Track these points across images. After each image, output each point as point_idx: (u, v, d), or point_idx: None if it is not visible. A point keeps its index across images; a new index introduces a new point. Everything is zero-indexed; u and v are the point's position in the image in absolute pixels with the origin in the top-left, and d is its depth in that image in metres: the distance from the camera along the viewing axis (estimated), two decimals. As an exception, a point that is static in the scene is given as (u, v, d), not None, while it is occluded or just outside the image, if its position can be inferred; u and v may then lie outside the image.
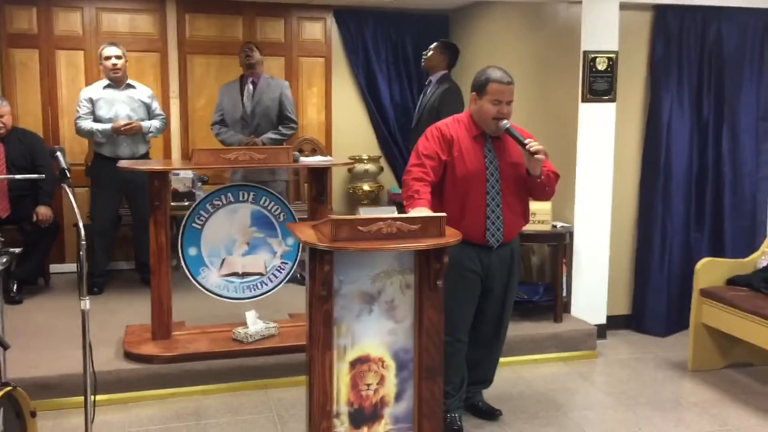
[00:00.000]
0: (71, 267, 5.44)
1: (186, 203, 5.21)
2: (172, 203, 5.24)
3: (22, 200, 4.82)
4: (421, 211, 2.77)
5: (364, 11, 6.14)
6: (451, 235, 2.66)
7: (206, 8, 5.81)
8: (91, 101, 4.90)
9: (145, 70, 5.71)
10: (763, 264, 4.04)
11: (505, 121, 3.03)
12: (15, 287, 4.77)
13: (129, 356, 3.70)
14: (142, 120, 4.96)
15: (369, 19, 6.17)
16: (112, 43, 4.96)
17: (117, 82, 4.93)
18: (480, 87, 3.04)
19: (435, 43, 4.93)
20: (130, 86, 5.01)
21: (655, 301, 4.65)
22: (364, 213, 2.64)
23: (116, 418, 3.38)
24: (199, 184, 5.52)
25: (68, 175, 2.51)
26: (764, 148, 4.74)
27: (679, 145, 4.59)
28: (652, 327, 4.66)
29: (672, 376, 4.02)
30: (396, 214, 2.64)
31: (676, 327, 4.66)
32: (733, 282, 4.05)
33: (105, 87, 4.94)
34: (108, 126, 4.84)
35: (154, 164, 4.21)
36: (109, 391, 3.51)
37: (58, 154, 2.58)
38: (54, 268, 5.36)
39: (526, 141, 2.99)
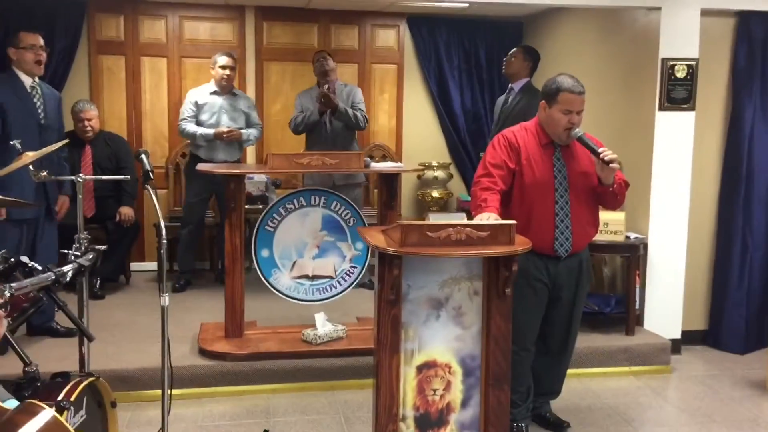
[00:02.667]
0: (150, 265, 5.67)
1: (259, 206, 5.34)
2: (246, 206, 5.40)
3: (106, 200, 5.05)
4: (491, 217, 2.77)
5: (437, 18, 6.16)
6: (521, 243, 2.65)
7: (283, 16, 5.96)
8: (197, 105, 5.09)
9: (223, 77, 5.89)
10: None
11: (577, 129, 2.99)
12: (98, 283, 5.00)
13: (203, 353, 3.82)
14: (241, 128, 5.12)
15: (442, 25, 6.19)
16: (228, 53, 5.14)
17: (224, 90, 5.11)
18: (550, 96, 3.01)
19: (516, 49, 4.81)
20: (233, 94, 5.19)
21: (733, 317, 4.49)
22: (434, 219, 2.66)
23: (190, 412, 3.50)
24: (273, 187, 5.65)
25: (152, 176, 2.62)
26: None
27: (761, 155, 4.43)
28: (729, 344, 4.50)
29: (750, 395, 3.87)
30: (465, 221, 2.65)
31: (755, 345, 4.49)
32: (818, 299, 3.88)
33: (211, 93, 5.12)
34: (210, 131, 5.01)
35: (230, 168, 4.34)
36: (184, 385, 3.63)
37: (143, 156, 2.70)
38: (135, 266, 5.58)
39: (600, 150, 2.94)
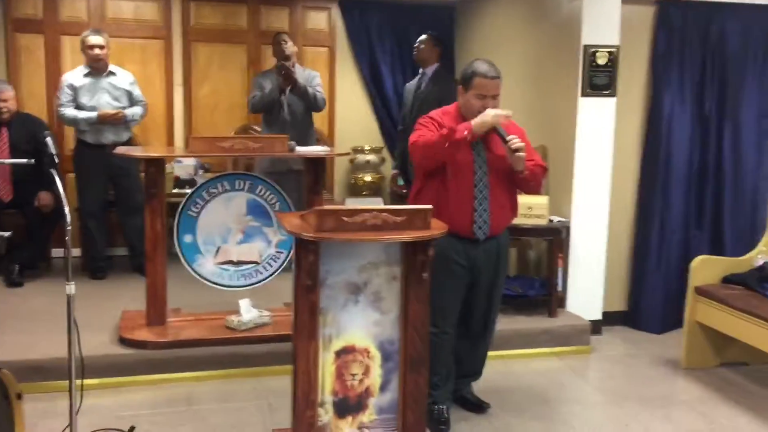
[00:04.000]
0: (73, 251, 5.48)
1: (188, 190, 5.23)
2: (174, 190, 5.30)
3: (25, 185, 4.86)
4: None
5: (369, 1, 6.13)
6: (437, 227, 2.67)
7: (211, -4, 5.83)
8: (73, 88, 4.88)
9: (149, 58, 5.73)
10: (758, 263, 4.02)
11: None
12: (17, 271, 4.83)
13: (123, 341, 3.74)
14: (125, 107, 4.95)
15: (374, 9, 6.16)
16: (96, 31, 4.92)
17: (99, 70, 4.91)
18: (466, 80, 3.04)
19: (424, 36, 4.96)
20: (111, 73, 4.97)
21: (651, 299, 4.64)
22: (350, 204, 2.65)
23: (108, 402, 3.42)
24: (201, 171, 5.55)
25: (56, 161, 2.52)
26: (766, 146, 4.70)
27: (679, 141, 4.56)
28: (647, 324, 4.66)
29: (665, 373, 4.02)
30: (382, 206, 2.65)
31: (672, 325, 4.64)
32: (728, 280, 4.04)
33: (86, 74, 4.91)
34: (93, 114, 4.82)
35: (149, 151, 4.23)
36: (103, 374, 3.55)
37: (48, 139, 2.60)
38: (56, 252, 5.40)
39: (508, 138, 2.97)
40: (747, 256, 4.15)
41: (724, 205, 4.66)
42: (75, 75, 4.94)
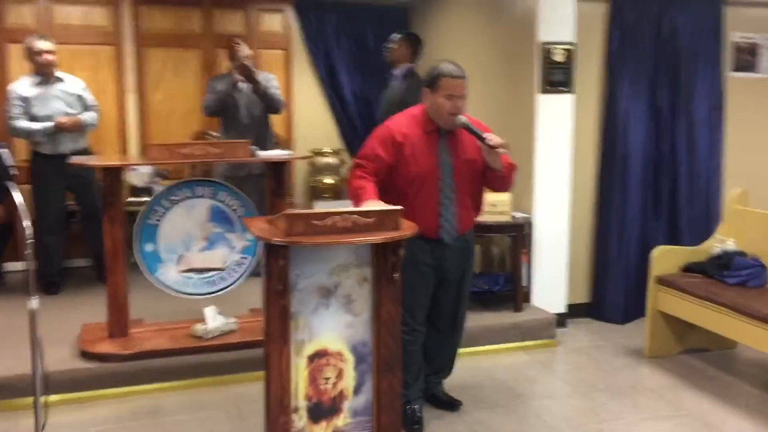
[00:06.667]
0: (25, 266, 5.32)
1: (145, 199, 5.13)
2: (131, 199, 5.19)
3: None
4: (375, 204, 2.76)
5: (324, 3, 6.10)
6: (407, 228, 2.66)
7: (162, 0, 5.72)
8: (23, 99, 4.70)
9: (100, 64, 5.61)
10: (716, 251, 4.12)
11: (460, 116, 3.00)
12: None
13: (85, 355, 3.63)
14: (79, 114, 4.82)
15: (330, 11, 6.14)
16: (43, 36, 4.77)
17: (49, 76, 4.76)
18: (432, 82, 3.02)
19: (397, 35, 4.90)
20: (59, 80, 4.82)
21: (613, 290, 4.72)
22: (320, 207, 2.63)
23: (72, 418, 3.32)
24: (158, 179, 5.44)
25: (11, 173, 2.44)
26: (718, 138, 4.83)
27: (635, 135, 4.65)
28: (611, 315, 4.74)
29: (629, 362, 4.09)
30: (352, 208, 2.63)
31: (634, 314, 4.73)
32: (688, 269, 4.13)
33: (37, 84, 4.74)
34: (49, 124, 4.67)
35: (107, 160, 4.13)
36: (65, 390, 3.45)
37: (2, 152, 2.51)
38: (9, 266, 5.24)
39: (485, 135, 2.98)
40: (705, 245, 4.25)
41: (679, 196, 4.78)
42: (23, 85, 4.76)
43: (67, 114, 4.76)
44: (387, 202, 2.95)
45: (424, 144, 3.03)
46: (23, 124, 4.69)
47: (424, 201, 3.02)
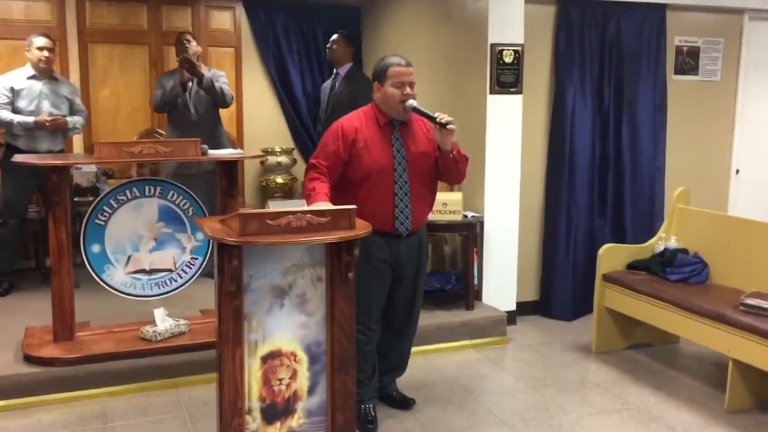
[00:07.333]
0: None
1: (90, 198, 5.01)
2: (76, 199, 5.05)
3: None
4: (324, 206, 2.76)
5: (274, 1, 6.05)
6: (362, 227, 2.66)
7: (108, -5, 5.60)
8: (13, 90, 4.65)
9: (42, 60, 5.44)
10: (660, 249, 4.24)
11: (411, 101, 3.04)
12: None
13: (29, 359, 3.53)
14: (65, 116, 4.75)
15: (279, 9, 6.09)
16: (44, 34, 4.74)
17: (43, 73, 4.70)
18: (380, 74, 3.07)
19: (336, 36, 4.95)
20: (54, 79, 4.78)
21: (561, 287, 4.81)
22: (274, 206, 2.61)
23: (16, 424, 3.22)
24: (104, 178, 5.32)
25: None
26: (660, 138, 4.97)
27: (582, 135, 4.76)
28: (559, 312, 4.83)
29: (577, 358, 4.18)
30: (306, 207, 2.62)
31: (581, 311, 4.84)
32: (632, 266, 4.24)
33: (29, 77, 4.70)
34: (30, 119, 4.60)
35: (53, 159, 4.02)
36: (8, 396, 3.35)
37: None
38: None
39: (435, 114, 3.01)
40: (649, 242, 4.37)
41: (624, 195, 4.90)
42: (15, 77, 4.70)
43: (51, 114, 4.68)
44: (342, 197, 2.97)
45: (377, 137, 3.06)
46: (3, 114, 4.61)
47: (379, 194, 3.04)
